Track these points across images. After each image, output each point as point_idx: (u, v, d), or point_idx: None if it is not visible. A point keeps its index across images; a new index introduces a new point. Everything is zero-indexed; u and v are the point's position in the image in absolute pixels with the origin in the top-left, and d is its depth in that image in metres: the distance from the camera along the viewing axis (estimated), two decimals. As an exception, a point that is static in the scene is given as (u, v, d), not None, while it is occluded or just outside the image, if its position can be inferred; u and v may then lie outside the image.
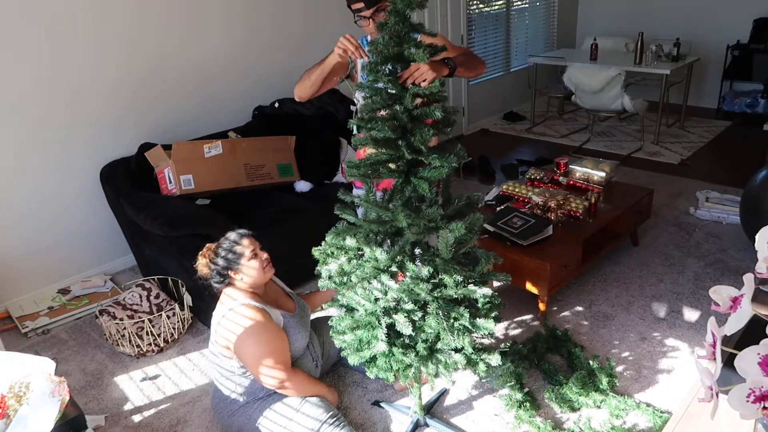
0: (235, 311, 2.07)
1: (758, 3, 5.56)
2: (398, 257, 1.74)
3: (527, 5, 6.24)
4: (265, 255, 2.16)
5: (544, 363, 2.51)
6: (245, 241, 2.12)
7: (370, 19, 2.20)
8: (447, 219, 1.74)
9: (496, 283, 1.86)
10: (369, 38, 2.38)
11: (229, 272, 2.11)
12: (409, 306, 1.72)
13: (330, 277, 1.87)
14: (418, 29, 1.65)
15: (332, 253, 1.84)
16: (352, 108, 2.37)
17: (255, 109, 3.86)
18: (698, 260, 3.28)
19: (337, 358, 2.51)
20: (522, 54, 6.33)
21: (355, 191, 2.42)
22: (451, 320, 1.71)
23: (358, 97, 2.31)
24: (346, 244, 1.80)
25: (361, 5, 2.18)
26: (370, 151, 2.48)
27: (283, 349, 2.10)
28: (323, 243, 1.86)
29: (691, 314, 2.83)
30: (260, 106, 3.87)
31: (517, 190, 3.24)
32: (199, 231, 2.76)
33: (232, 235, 2.15)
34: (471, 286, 1.70)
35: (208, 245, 2.19)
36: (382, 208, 1.73)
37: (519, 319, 2.88)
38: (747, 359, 0.98)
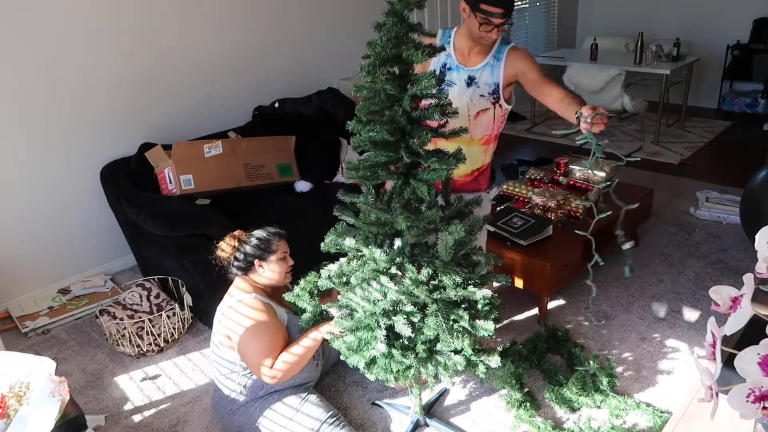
0: (243, 303, 2.08)
1: (758, 3, 5.55)
2: (397, 259, 1.74)
3: (527, 5, 6.24)
4: (291, 262, 2.20)
5: (544, 363, 2.51)
6: (281, 242, 2.16)
7: (496, 28, 2.07)
8: (446, 221, 1.73)
9: (495, 284, 1.85)
10: (453, 35, 2.23)
11: (255, 261, 2.11)
12: (409, 308, 1.72)
13: (329, 278, 1.87)
14: (417, 29, 1.63)
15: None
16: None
17: (255, 109, 3.86)
18: (698, 260, 3.28)
19: (337, 358, 2.51)
20: (522, 54, 6.31)
21: None
22: (451, 322, 1.70)
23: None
24: (345, 244, 1.79)
25: (499, 11, 2.02)
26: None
27: (282, 345, 2.08)
28: (323, 244, 1.86)
29: (691, 314, 2.82)
30: (260, 106, 3.86)
31: (517, 190, 3.24)
32: (199, 231, 2.76)
33: (271, 229, 2.18)
34: (471, 288, 1.69)
35: (240, 230, 2.20)
36: (382, 210, 1.72)
37: (519, 319, 2.88)
38: (747, 359, 0.98)
